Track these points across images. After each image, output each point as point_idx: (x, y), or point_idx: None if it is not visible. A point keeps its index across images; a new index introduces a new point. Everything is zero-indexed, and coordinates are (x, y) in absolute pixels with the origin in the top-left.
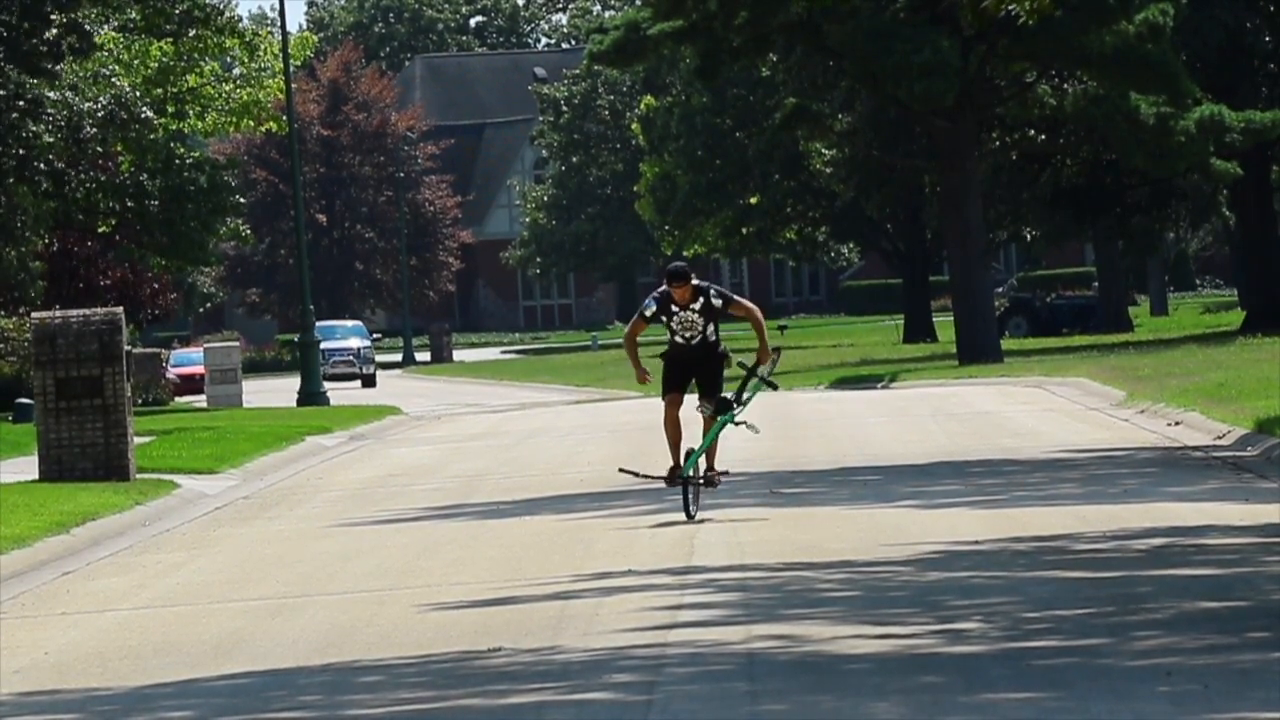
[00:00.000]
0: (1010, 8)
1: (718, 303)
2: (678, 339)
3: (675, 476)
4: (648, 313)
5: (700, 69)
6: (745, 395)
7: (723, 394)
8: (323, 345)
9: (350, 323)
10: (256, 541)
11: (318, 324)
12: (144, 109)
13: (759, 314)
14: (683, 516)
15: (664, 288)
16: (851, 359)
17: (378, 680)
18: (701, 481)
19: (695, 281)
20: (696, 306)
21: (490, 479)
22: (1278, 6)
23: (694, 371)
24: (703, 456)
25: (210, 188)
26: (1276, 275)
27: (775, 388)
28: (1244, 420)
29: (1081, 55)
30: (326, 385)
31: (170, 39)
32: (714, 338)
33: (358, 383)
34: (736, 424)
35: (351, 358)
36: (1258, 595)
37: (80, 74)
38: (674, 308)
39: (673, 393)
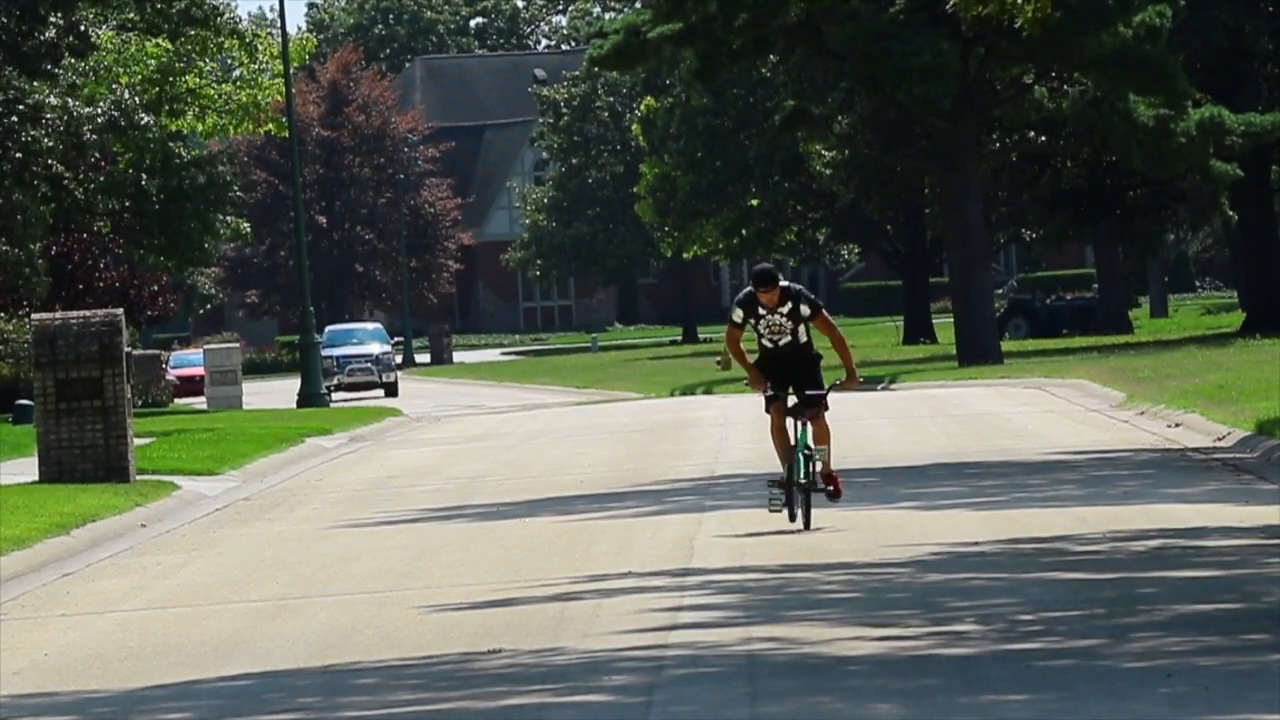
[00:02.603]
0: (1012, 18)
1: (805, 310)
2: (765, 343)
3: (786, 485)
4: (737, 318)
5: (700, 71)
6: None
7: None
8: (339, 352)
9: (370, 325)
10: (256, 543)
11: (332, 327)
12: (143, 116)
13: (842, 332)
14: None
15: (749, 289)
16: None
17: (377, 682)
18: (819, 487)
19: (784, 283)
20: (785, 310)
21: (490, 480)
22: (1277, 8)
23: (791, 374)
24: (818, 463)
25: (208, 184)
26: (1276, 277)
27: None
28: (1244, 422)
29: (1080, 57)
30: (344, 396)
31: (168, 38)
32: (805, 338)
33: (379, 392)
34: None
35: (370, 365)
36: (1257, 597)
37: (79, 70)
38: (761, 310)
39: (776, 400)
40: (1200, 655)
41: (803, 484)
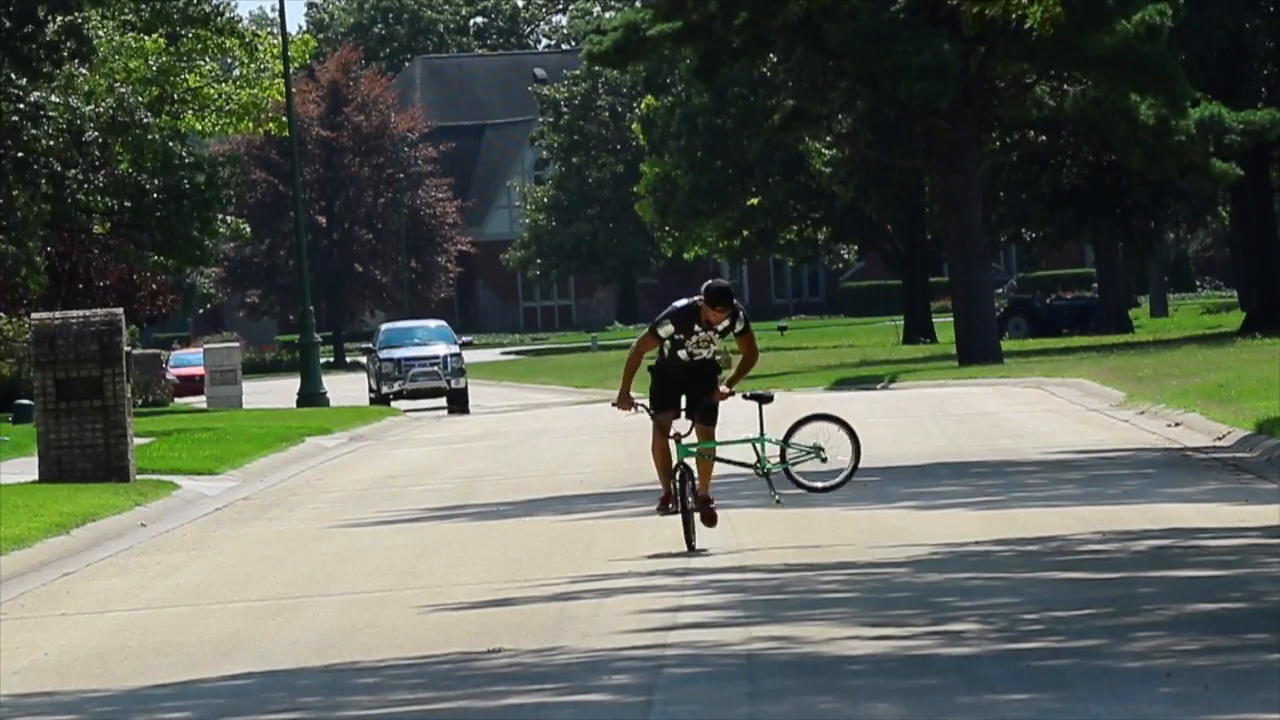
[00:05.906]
0: (1021, 18)
1: (739, 327)
2: (681, 356)
3: (669, 505)
4: (662, 332)
5: (700, 69)
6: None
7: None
8: (400, 354)
9: (432, 323)
10: (256, 542)
11: (389, 326)
12: (145, 115)
13: (757, 355)
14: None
15: (688, 303)
16: (851, 360)
17: (377, 681)
18: (696, 509)
19: None
20: (720, 327)
21: (490, 480)
22: (1278, 7)
23: (688, 386)
24: (697, 482)
25: (207, 184)
26: (1276, 276)
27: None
28: (1244, 421)
29: (1080, 56)
30: (405, 405)
31: (168, 39)
32: (715, 351)
33: (442, 400)
34: (774, 499)
35: (436, 368)
36: (1257, 597)
37: (79, 70)
38: (697, 327)
39: (664, 414)
40: (1200, 655)
41: (690, 505)
